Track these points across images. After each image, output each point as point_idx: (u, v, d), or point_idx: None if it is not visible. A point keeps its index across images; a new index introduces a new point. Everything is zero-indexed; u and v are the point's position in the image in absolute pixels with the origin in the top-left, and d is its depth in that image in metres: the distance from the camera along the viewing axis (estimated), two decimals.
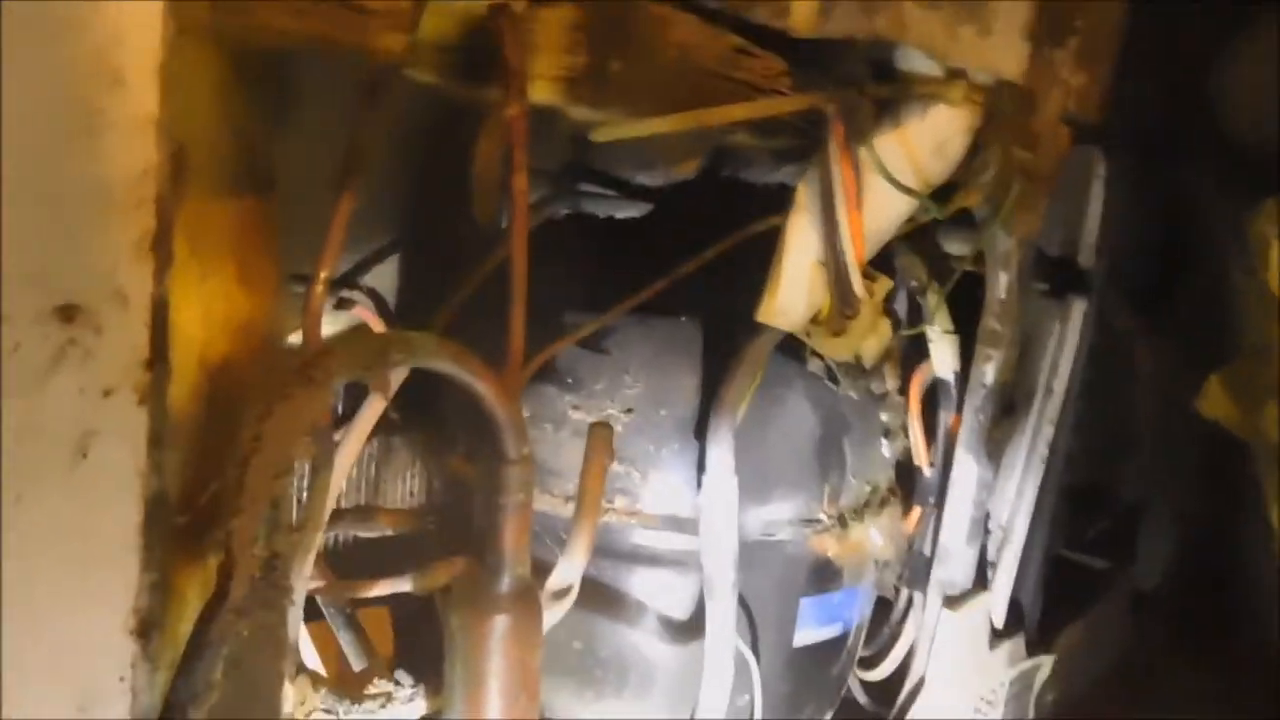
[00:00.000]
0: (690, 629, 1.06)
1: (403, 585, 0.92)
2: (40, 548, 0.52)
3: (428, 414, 1.24)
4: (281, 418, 0.60)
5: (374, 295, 1.24)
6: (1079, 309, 1.41)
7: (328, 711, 0.84)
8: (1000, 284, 1.24)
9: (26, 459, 0.50)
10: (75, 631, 0.53)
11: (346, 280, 1.23)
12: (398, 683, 0.87)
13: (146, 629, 0.56)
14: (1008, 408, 1.31)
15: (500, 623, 0.72)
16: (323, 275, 0.72)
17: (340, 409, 1.26)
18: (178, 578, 0.64)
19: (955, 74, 0.93)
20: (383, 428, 1.36)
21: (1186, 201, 1.64)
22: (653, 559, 1.06)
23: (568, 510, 1.02)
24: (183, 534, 0.62)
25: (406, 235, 1.27)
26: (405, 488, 1.42)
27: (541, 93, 0.73)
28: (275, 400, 0.60)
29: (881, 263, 1.05)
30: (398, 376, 0.95)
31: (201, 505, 0.61)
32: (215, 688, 0.61)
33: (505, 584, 0.73)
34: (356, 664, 1.03)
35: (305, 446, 0.61)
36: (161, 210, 0.53)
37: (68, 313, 0.50)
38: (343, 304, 1.15)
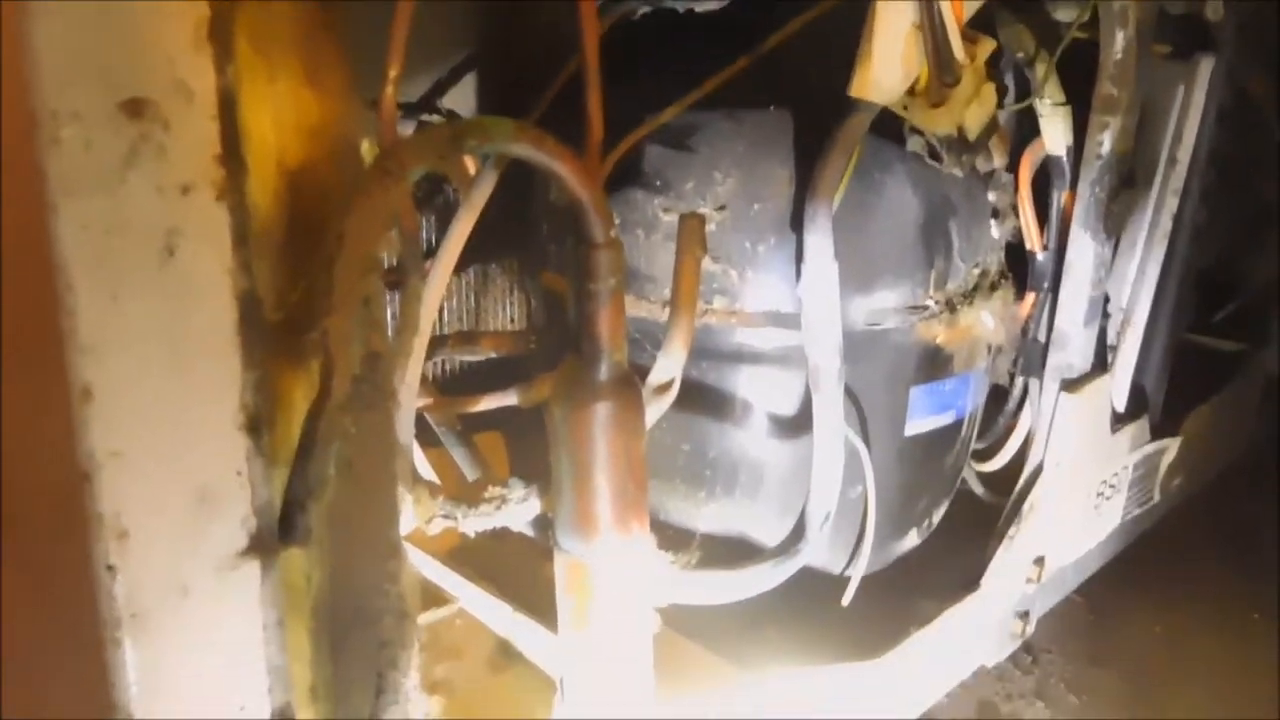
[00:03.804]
0: (798, 425, 1.05)
1: (508, 399, 0.93)
2: (142, 346, 0.53)
3: (520, 236, 1.23)
4: (362, 213, 0.59)
5: (453, 116, 1.22)
6: (1205, 70, 1.30)
7: (446, 516, 0.87)
8: (1117, 43, 1.14)
9: (116, 257, 0.51)
10: (186, 427, 0.55)
11: (425, 104, 1.20)
12: (510, 487, 0.89)
13: (256, 425, 0.57)
14: (1127, 179, 1.22)
15: (601, 410, 0.72)
16: (393, 74, 0.69)
17: (434, 241, 1.27)
18: (283, 382, 0.65)
19: None
20: (478, 256, 1.37)
21: None
22: (756, 357, 1.04)
23: (665, 316, 1.01)
24: (281, 336, 0.63)
25: (482, 52, 1.23)
26: (505, 315, 1.43)
27: None
28: (354, 196, 0.59)
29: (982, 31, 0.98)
30: (486, 187, 0.93)
31: (294, 304, 0.61)
32: (329, 484, 0.62)
33: (603, 371, 0.72)
34: (470, 475, 1.06)
35: (389, 241, 0.60)
36: None
37: (135, 107, 0.50)
38: (423, 127, 1.14)
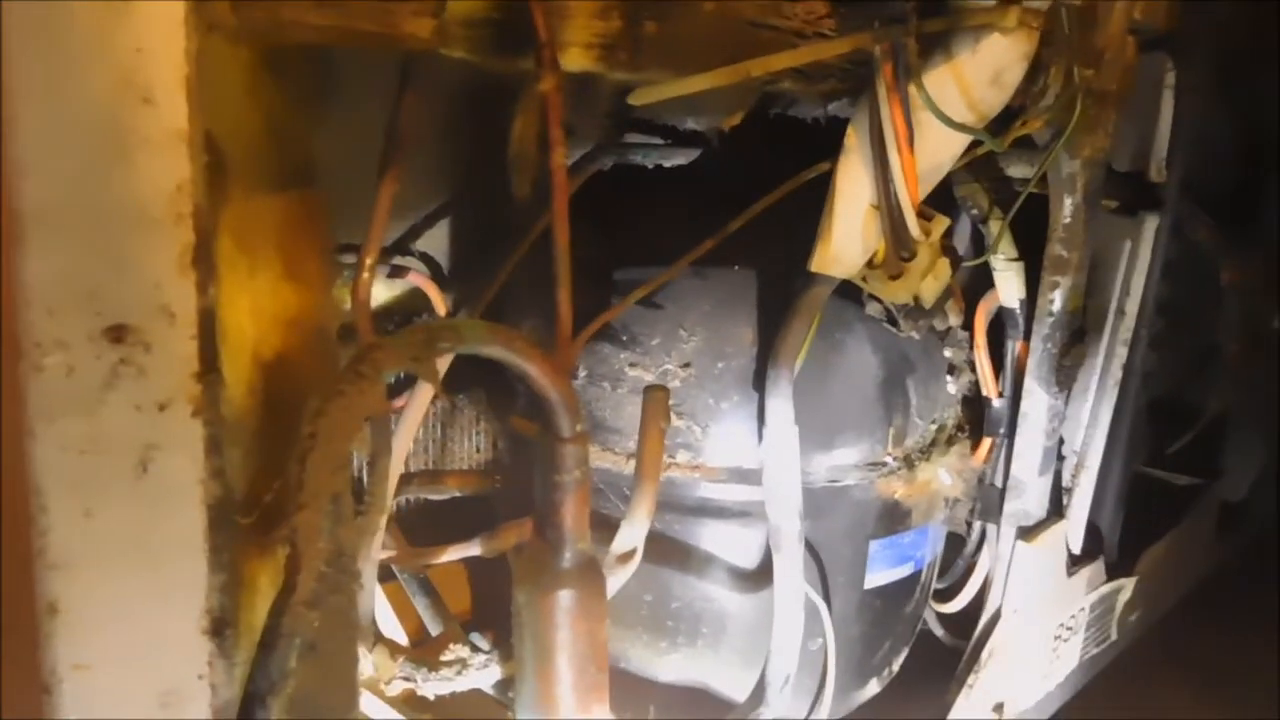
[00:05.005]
0: (760, 578, 1.06)
1: (472, 550, 0.94)
2: (112, 558, 0.53)
3: (487, 372, 1.25)
4: (335, 414, 0.61)
5: (427, 259, 1.25)
6: (1151, 226, 1.35)
7: (406, 679, 0.87)
8: (1065, 208, 1.19)
9: (91, 476, 0.52)
10: (152, 634, 0.55)
11: (399, 247, 1.23)
12: (474, 648, 0.89)
13: (220, 628, 0.57)
14: (1078, 334, 1.26)
15: (564, 597, 0.73)
16: (368, 262, 0.72)
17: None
18: (248, 570, 0.66)
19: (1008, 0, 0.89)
20: (446, 387, 1.38)
21: (1267, 109, 1.56)
22: (719, 511, 1.06)
23: (629, 467, 1.03)
24: (250, 530, 0.64)
25: (456, 197, 1.27)
26: (471, 444, 1.44)
27: (576, 60, 0.71)
28: (329, 397, 0.61)
29: (940, 191, 1.02)
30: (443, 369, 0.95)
31: (266, 504, 0.62)
32: (291, 676, 0.63)
33: (567, 559, 0.74)
34: (433, 628, 1.06)
35: (361, 439, 0.61)
36: (199, 224, 0.53)
37: (117, 333, 0.51)
38: (396, 272, 1.16)
